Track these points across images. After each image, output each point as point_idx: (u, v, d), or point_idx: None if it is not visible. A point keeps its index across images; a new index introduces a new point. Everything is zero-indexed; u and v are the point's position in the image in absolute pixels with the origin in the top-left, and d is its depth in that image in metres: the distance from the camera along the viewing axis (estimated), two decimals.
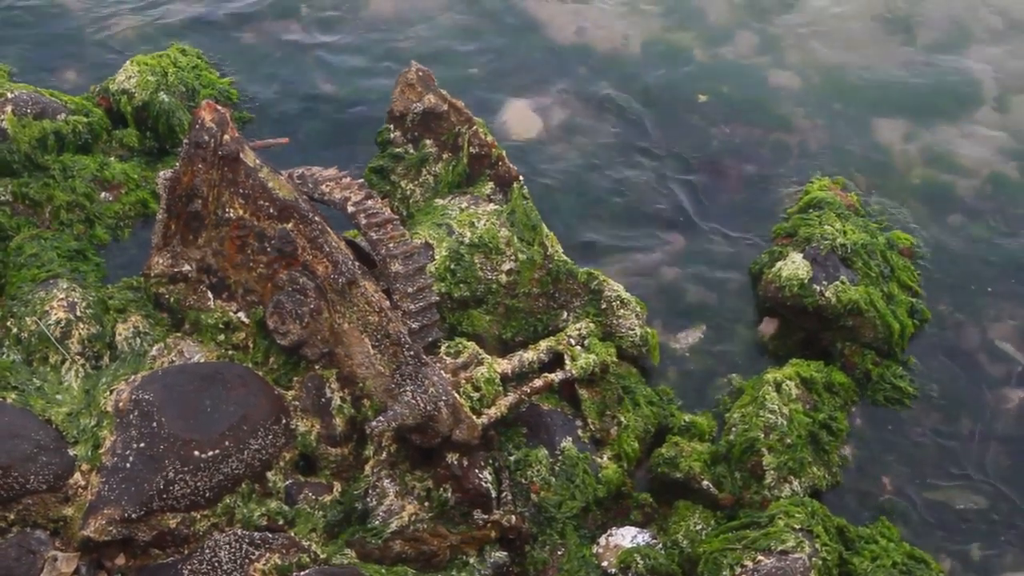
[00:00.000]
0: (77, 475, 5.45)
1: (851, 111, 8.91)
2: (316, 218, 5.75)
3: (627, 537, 5.77)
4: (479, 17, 9.71)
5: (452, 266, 6.45)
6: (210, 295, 6.27)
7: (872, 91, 9.14)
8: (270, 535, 5.38)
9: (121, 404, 5.57)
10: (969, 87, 9.26)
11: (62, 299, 6.18)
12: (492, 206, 6.82)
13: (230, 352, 6.10)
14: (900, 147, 8.60)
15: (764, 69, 9.32)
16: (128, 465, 5.33)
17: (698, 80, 9.08)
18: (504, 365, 5.99)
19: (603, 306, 6.61)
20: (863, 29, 9.88)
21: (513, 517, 5.63)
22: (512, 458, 5.83)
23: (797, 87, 9.15)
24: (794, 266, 6.88)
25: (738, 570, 5.31)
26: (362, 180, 6.22)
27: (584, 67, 9.20)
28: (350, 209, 5.89)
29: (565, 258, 6.82)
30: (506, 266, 6.65)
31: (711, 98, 8.88)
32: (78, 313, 6.14)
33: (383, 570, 5.31)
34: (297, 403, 5.87)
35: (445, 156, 7.06)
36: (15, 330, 6.08)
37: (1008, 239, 7.80)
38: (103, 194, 7.28)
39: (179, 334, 6.21)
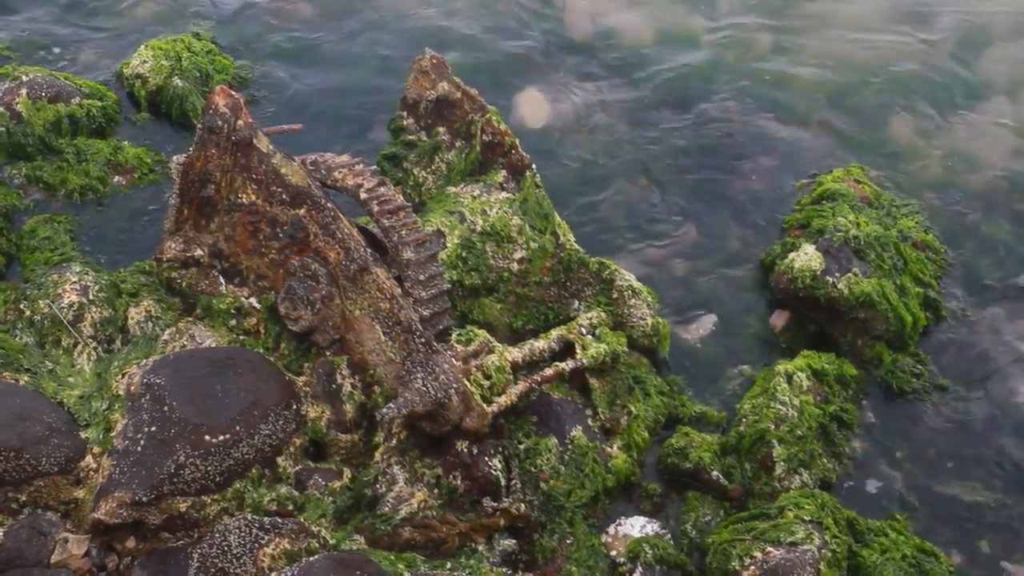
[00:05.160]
0: (88, 458, 5.47)
1: (865, 106, 8.89)
2: (328, 205, 5.75)
3: (636, 527, 5.77)
4: (493, 6, 9.70)
5: (464, 254, 6.44)
6: (222, 280, 6.28)
7: (887, 86, 9.11)
8: (280, 520, 5.39)
9: (132, 388, 5.59)
10: (985, 82, 9.23)
11: (75, 282, 6.20)
12: (504, 194, 6.81)
13: (241, 338, 6.11)
14: (915, 142, 8.57)
15: (779, 63, 9.30)
16: (139, 449, 5.35)
17: (712, 72, 9.06)
18: (515, 354, 5.99)
19: (614, 295, 6.60)
20: (878, 24, 9.84)
21: (522, 506, 5.63)
22: (522, 447, 5.83)
23: (812, 81, 9.12)
24: (807, 258, 6.86)
25: (747, 561, 5.31)
26: (375, 167, 6.22)
27: (598, 57, 9.19)
28: (362, 196, 5.89)
29: (577, 247, 6.82)
30: (518, 254, 6.64)
31: (725, 91, 8.85)
32: (90, 296, 6.15)
33: (392, 556, 5.32)
34: (308, 389, 5.87)
35: (458, 144, 7.05)
36: (28, 313, 6.11)
37: (1022, 235, 7.77)
38: (116, 178, 7.29)
39: (190, 319, 6.22)
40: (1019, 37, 9.84)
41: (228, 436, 5.44)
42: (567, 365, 6.12)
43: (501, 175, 6.92)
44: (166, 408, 5.42)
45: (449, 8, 9.62)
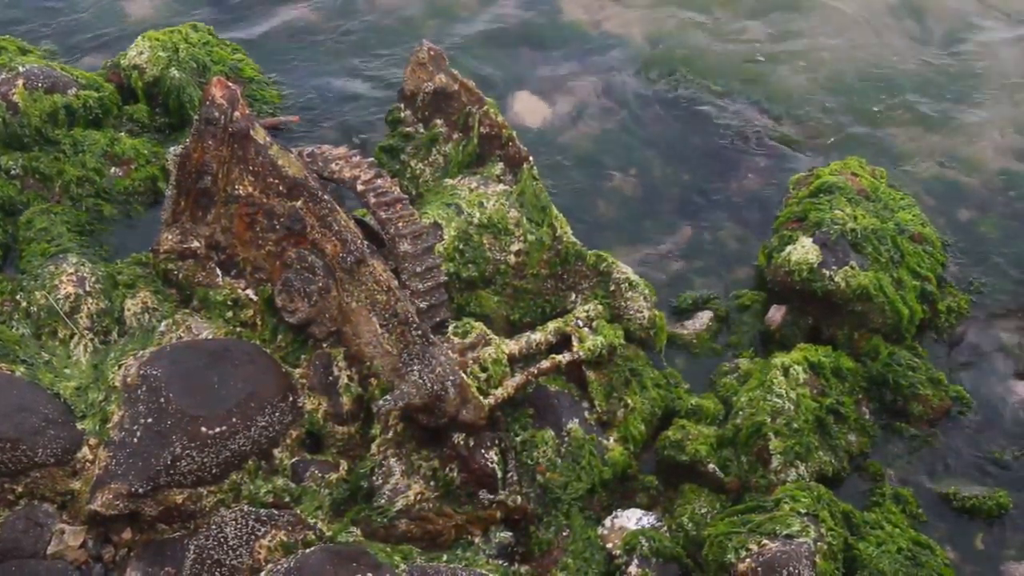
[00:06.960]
0: (85, 449, 5.47)
1: (862, 105, 8.88)
2: (325, 196, 5.75)
3: (632, 519, 5.78)
4: (491, 4, 9.68)
5: (461, 246, 6.44)
6: (219, 272, 6.28)
7: (882, 84, 9.10)
8: (276, 512, 5.40)
9: (129, 379, 5.59)
10: (980, 80, 9.23)
11: (71, 274, 6.19)
12: (502, 187, 6.80)
13: (238, 329, 6.11)
14: (912, 141, 8.57)
15: (776, 61, 9.28)
16: (135, 440, 5.35)
17: (709, 70, 9.05)
18: (512, 346, 5.99)
19: (611, 288, 6.60)
20: (876, 22, 9.83)
21: (519, 498, 5.64)
22: (519, 439, 5.84)
23: (809, 80, 9.10)
24: (804, 250, 6.85)
25: (743, 554, 5.32)
26: (372, 159, 6.21)
27: (595, 55, 9.17)
28: (359, 188, 5.89)
29: (574, 240, 6.80)
30: (515, 247, 6.64)
31: (722, 89, 8.85)
32: (87, 288, 6.15)
33: (388, 549, 5.32)
34: (305, 381, 5.87)
35: (455, 136, 7.04)
36: (24, 304, 6.10)
37: (1017, 234, 7.77)
38: (113, 169, 7.27)
39: (187, 310, 6.21)
40: (1018, 35, 9.83)
41: (225, 428, 5.44)
42: (564, 358, 6.12)
43: (499, 167, 6.91)
44: (162, 400, 5.42)
45: (448, 4, 9.60)
